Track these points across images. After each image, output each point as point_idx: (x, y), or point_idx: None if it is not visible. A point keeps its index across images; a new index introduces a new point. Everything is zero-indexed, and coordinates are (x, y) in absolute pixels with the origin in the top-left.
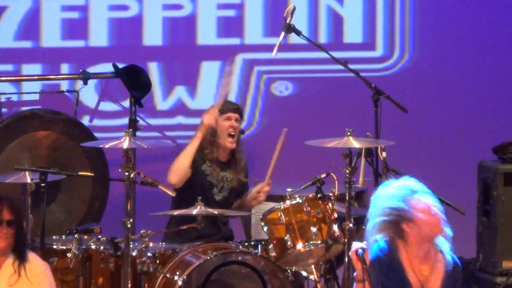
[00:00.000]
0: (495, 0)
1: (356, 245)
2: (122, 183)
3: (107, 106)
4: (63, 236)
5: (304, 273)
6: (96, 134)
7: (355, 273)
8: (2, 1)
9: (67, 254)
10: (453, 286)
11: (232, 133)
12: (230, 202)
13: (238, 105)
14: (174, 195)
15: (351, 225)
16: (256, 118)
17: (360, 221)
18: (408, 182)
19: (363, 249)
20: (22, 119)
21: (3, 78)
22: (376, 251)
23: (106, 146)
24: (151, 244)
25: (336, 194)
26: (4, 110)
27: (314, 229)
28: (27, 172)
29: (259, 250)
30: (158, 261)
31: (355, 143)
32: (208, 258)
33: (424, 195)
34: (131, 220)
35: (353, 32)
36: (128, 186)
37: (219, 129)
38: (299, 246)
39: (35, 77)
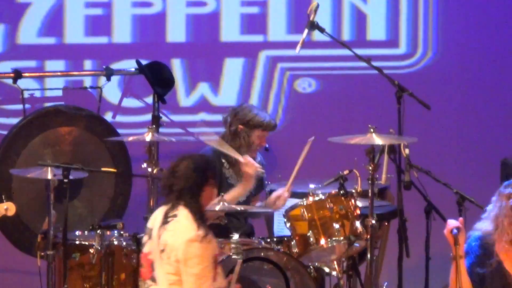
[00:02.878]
0: None
1: (451, 223)
2: (145, 179)
3: (130, 102)
4: (85, 232)
5: (327, 269)
6: (119, 130)
7: (450, 254)
8: None
9: (90, 250)
10: None
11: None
12: (251, 199)
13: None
14: None
15: (373, 221)
16: (279, 115)
17: (383, 217)
18: None
19: (458, 229)
20: (45, 115)
21: (27, 74)
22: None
23: (129, 139)
24: None
25: (359, 190)
26: (27, 106)
27: (336, 226)
28: (49, 168)
29: (281, 246)
30: None
31: (378, 140)
32: (231, 254)
33: None
34: None
35: (376, 30)
36: (151, 182)
37: (248, 139)
38: (322, 242)
39: (58, 73)
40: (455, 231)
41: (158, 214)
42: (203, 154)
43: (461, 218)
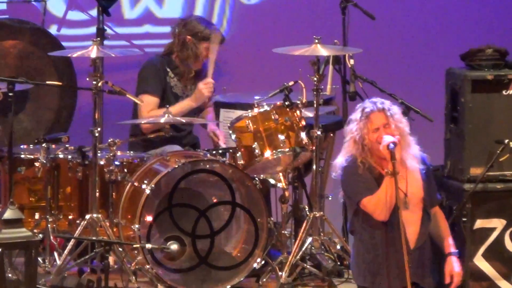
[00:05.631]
0: None
1: (387, 138)
2: (90, 92)
3: (75, 15)
4: (31, 146)
5: (272, 181)
6: (64, 43)
7: (385, 170)
8: None
9: (35, 164)
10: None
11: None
12: (196, 110)
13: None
14: (142, 103)
15: (319, 132)
16: (224, 27)
17: (328, 128)
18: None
19: (394, 144)
20: None
21: None
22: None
23: (74, 55)
24: (119, 153)
25: (304, 101)
26: None
27: (282, 137)
28: None
29: (227, 158)
30: (126, 170)
31: (322, 51)
32: (176, 166)
33: None
34: (98, 129)
35: None
36: (96, 95)
37: (196, 51)
38: (267, 154)
39: None
40: (391, 145)
41: None
42: None
43: (397, 136)
